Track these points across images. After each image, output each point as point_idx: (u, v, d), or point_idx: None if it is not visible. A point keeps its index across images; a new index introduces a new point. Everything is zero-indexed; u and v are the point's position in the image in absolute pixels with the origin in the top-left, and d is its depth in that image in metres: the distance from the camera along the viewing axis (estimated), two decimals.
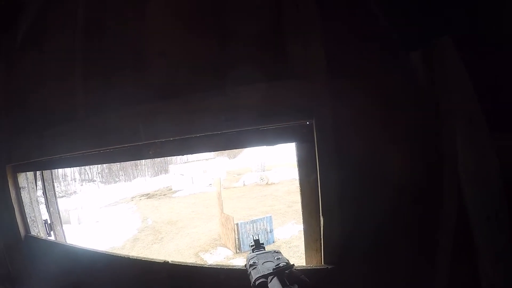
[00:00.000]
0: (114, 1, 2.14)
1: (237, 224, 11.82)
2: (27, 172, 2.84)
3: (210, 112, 1.70)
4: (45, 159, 2.54)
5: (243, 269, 1.26)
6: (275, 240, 12.02)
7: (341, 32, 1.54)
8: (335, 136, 1.50)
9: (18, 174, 2.77)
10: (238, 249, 11.72)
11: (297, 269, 1.03)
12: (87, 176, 35.59)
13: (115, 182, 35.86)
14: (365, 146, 1.50)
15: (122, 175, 37.49)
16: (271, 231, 12.21)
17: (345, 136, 1.50)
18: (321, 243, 1.60)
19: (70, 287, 2.37)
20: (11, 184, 2.71)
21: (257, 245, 1.26)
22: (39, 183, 2.98)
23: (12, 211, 2.70)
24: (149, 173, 38.09)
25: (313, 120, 1.53)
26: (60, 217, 3.08)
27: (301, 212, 1.71)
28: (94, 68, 2.14)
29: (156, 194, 25.98)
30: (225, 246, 12.36)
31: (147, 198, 24.97)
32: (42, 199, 3.05)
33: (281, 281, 0.95)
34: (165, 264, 1.97)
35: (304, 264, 1.70)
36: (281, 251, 1.19)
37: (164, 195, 25.18)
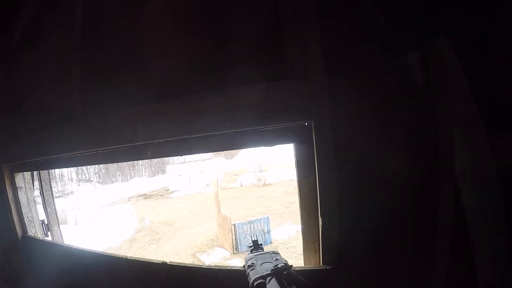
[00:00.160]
0: (113, 1, 2.14)
1: (234, 225, 11.80)
2: (24, 172, 2.83)
3: (209, 113, 1.70)
4: (42, 159, 2.53)
5: (242, 270, 1.26)
6: (272, 241, 12.00)
7: (340, 33, 1.54)
8: (334, 137, 1.50)
9: (15, 174, 2.76)
10: (235, 249, 11.70)
11: (296, 270, 1.03)
12: (84, 176, 35.43)
13: (112, 182, 35.72)
14: (363, 147, 1.51)
15: (119, 176, 37.34)
16: (268, 231, 12.19)
17: (343, 137, 1.50)
18: (319, 243, 1.60)
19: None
20: (8, 184, 2.70)
21: (256, 246, 1.25)
22: (36, 183, 2.97)
23: (9, 211, 2.69)
24: (146, 173, 37.96)
25: (311, 121, 1.53)
26: (57, 217, 3.07)
27: (299, 213, 1.71)
28: (93, 68, 2.14)
29: (153, 195, 25.88)
30: (222, 246, 12.33)
31: (144, 198, 24.87)
32: (39, 199, 3.04)
33: (280, 282, 0.95)
34: (164, 265, 1.96)
35: (302, 264, 1.71)
36: (279, 252, 1.19)
37: (161, 195, 25.08)
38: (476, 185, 1.27)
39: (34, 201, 2.91)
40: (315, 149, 1.54)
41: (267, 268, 1.03)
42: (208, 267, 1.95)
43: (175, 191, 25.15)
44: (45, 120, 2.35)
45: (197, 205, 19.59)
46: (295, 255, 9.99)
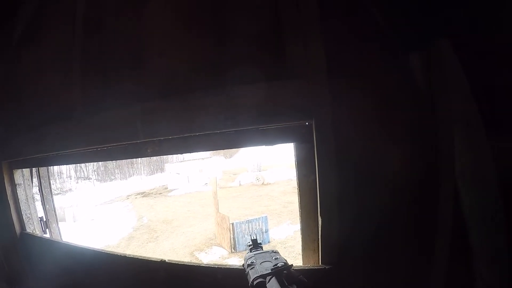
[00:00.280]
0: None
1: (232, 224, 11.79)
2: (23, 169, 2.82)
3: (209, 111, 1.70)
4: (41, 156, 2.52)
5: (241, 269, 1.25)
6: (270, 240, 12.00)
7: (341, 32, 1.54)
8: (334, 136, 1.50)
9: (14, 171, 2.75)
10: (234, 248, 11.69)
11: (295, 269, 1.03)
12: (82, 173, 35.29)
13: (111, 180, 35.62)
14: (364, 147, 1.51)
15: (118, 173, 37.25)
16: (266, 231, 12.19)
17: (344, 137, 1.50)
18: (319, 243, 1.60)
19: (67, 286, 2.35)
20: (7, 180, 2.70)
21: (255, 245, 1.24)
22: (35, 180, 2.96)
23: (7, 208, 2.69)
24: (145, 171, 37.85)
25: (312, 120, 1.53)
26: (56, 215, 3.06)
27: (299, 212, 1.71)
28: (93, 65, 2.13)
29: (152, 193, 25.85)
30: (220, 245, 12.32)
31: (143, 196, 24.84)
32: (38, 196, 3.03)
33: (280, 281, 0.95)
34: (162, 263, 1.96)
35: (301, 264, 1.71)
36: (278, 251, 1.19)
37: (160, 193, 25.06)
38: (475, 185, 1.27)
39: (33, 198, 2.90)
40: (315, 148, 1.54)
41: (266, 267, 1.03)
42: (207, 265, 1.94)
43: (174, 189, 25.12)
44: (45, 117, 2.34)
45: (196, 203, 19.57)
46: (293, 255, 9.98)
